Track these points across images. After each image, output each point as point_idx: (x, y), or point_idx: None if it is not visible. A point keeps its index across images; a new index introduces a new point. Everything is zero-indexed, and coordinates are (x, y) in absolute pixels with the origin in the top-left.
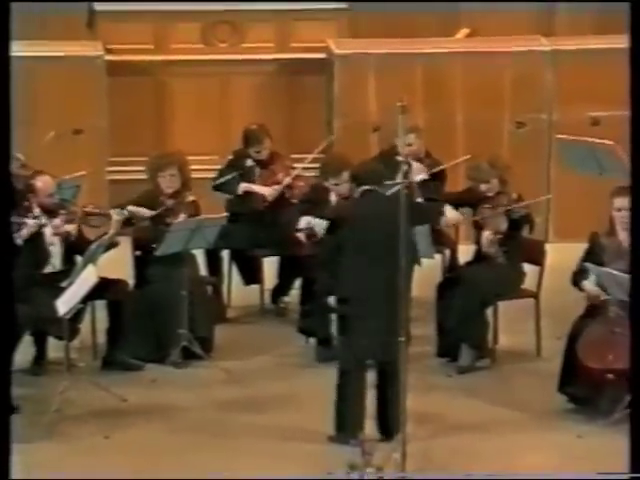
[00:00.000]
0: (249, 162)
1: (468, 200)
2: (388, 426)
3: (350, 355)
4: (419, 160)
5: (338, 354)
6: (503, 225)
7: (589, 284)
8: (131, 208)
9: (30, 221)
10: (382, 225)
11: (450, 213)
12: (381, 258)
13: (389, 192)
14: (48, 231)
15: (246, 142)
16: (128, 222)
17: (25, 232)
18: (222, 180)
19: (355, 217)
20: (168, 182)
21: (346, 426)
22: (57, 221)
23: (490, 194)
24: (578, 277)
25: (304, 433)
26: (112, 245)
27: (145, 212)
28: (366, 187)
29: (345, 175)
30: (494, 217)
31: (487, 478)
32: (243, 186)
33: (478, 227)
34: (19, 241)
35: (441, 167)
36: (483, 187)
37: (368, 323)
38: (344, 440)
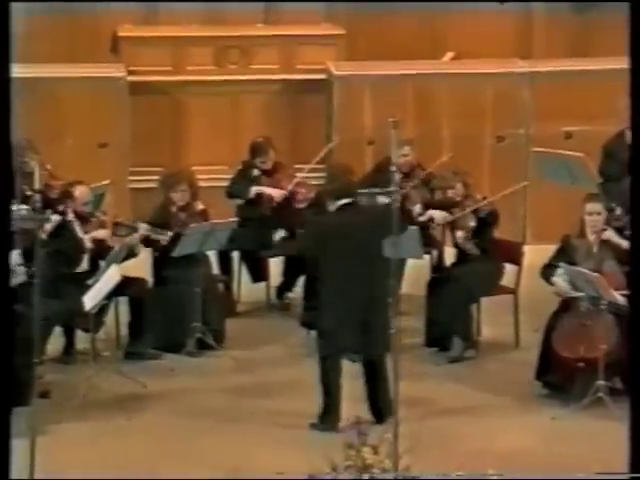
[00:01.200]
0: (255, 172)
1: (444, 206)
2: (379, 411)
3: (328, 344)
4: (411, 170)
5: (317, 343)
6: (472, 223)
7: (559, 280)
8: (146, 227)
9: (54, 216)
10: (358, 234)
11: (437, 214)
12: (357, 263)
13: (385, 200)
14: (83, 235)
15: (253, 153)
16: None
17: (49, 227)
18: (235, 187)
19: (335, 227)
20: (180, 197)
21: (326, 413)
22: (102, 232)
23: (458, 199)
24: (547, 271)
25: (306, 416)
26: (133, 255)
27: (164, 234)
28: (344, 201)
29: None
30: (463, 217)
31: (485, 479)
32: (255, 189)
33: (451, 228)
34: (44, 236)
35: (427, 171)
36: (450, 193)
37: (348, 322)
38: (324, 427)
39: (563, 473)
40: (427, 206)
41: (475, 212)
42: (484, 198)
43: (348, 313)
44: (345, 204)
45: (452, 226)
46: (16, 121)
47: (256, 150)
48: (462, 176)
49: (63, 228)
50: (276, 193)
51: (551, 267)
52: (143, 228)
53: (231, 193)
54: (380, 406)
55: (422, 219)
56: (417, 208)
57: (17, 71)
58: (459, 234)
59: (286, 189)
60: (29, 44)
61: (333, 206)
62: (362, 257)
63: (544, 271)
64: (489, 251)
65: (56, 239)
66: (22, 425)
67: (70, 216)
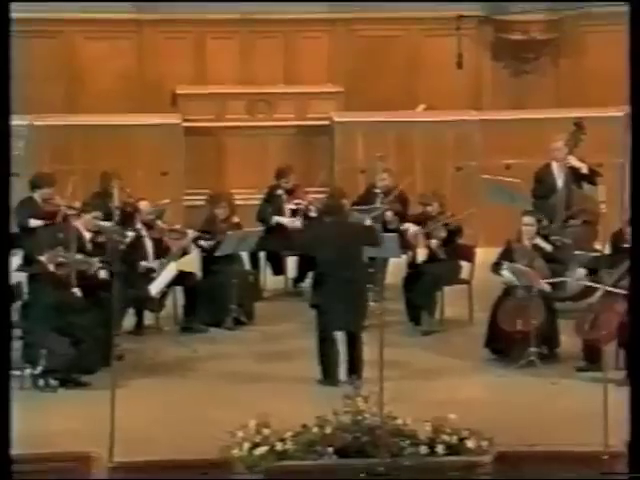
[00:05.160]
0: (279, 191)
1: (421, 219)
2: (355, 368)
3: (325, 326)
4: (388, 190)
5: (317, 325)
6: (443, 234)
7: (505, 273)
8: (194, 233)
9: (130, 233)
10: (342, 242)
11: (412, 228)
12: (342, 265)
13: (371, 214)
14: (147, 241)
15: (278, 176)
16: (197, 238)
17: (127, 239)
18: (262, 215)
19: (326, 237)
20: (221, 212)
21: (328, 372)
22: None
23: (433, 214)
24: (495, 267)
25: (314, 375)
26: (186, 253)
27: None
28: (332, 217)
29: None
30: (437, 230)
31: (491, 479)
32: (275, 219)
33: (427, 237)
34: (122, 246)
35: (399, 189)
36: (429, 209)
37: (336, 307)
38: (328, 383)
39: (512, 420)
40: (404, 217)
41: (446, 226)
42: (452, 215)
43: (336, 298)
44: (335, 219)
45: (427, 235)
46: (103, 157)
47: (281, 173)
48: (439, 197)
49: (136, 239)
50: (290, 223)
51: (498, 264)
52: (191, 233)
53: (259, 219)
54: (356, 365)
55: (402, 228)
56: (389, 215)
57: (103, 120)
58: (433, 242)
59: (303, 202)
60: (112, 101)
61: (326, 219)
62: (344, 259)
63: (493, 267)
64: (451, 253)
65: (131, 248)
66: (105, 380)
67: (139, 224)
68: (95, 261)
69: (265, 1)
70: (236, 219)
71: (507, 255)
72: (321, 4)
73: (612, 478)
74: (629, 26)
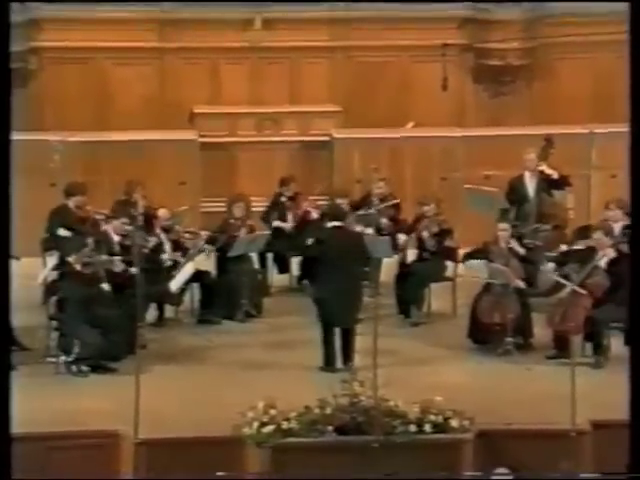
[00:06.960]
0: (283, 198)
1: (419, 218)
2: (349, 356)
3: (325, 318)
4: (384, 198)
5: (320, 318)
6: (435, 228)
7: (473, 263)
8: (206, 233)
9: (152, 239)
10: (343, 247)
11: (401, 238)
12: (342, 266)
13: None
14: (167, 244)
15: (281, 184)
16: (211, 239)
17: (150, 245)
18: (265, 217)
19: (328, 241)
20: (238, 211)
21: (329, 360)
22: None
23: (429, 214)
24: (465, 259)
25: (316, 362)
26: (201, 251)
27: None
28: (335, 223)
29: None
30: (431, 224)
31: (487, 478)
32: (275, 223)
33: (420, 239)
34: (146, 250)
35: (395, 201)
36: (425, 208)
37: (335, 304)
38: (328, 370)
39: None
40: (397, 221)
41: (440, 224)
42: (444, 220)
43: (335, 295)
44: (336, 225)
45: (419, 239)
46: (128, 169)
47: (283, 182)
48: (437, 200)
49: (157, 244)
50: (286, 226)
51: (468, 257)
52: (204, 234)
53: (263, 220)
54: (349, 353)
55: (397, 239)
56: (384, 221)
57: (129, 136)
58: (424, 233)
59: (302, 209)
60: (136, 120)
61: (329, 225)
62: (343, 261)
63: (463, 259)
64: (437, 253)
65: (153, 251)
66: (131, 367)
67: (157, 229)
68: (118, 260)
69: (280, 2)
70: (250, 222)
71: (481, 252)
72: (323, 33)
73: (612, 478)
74: (629, 26)
